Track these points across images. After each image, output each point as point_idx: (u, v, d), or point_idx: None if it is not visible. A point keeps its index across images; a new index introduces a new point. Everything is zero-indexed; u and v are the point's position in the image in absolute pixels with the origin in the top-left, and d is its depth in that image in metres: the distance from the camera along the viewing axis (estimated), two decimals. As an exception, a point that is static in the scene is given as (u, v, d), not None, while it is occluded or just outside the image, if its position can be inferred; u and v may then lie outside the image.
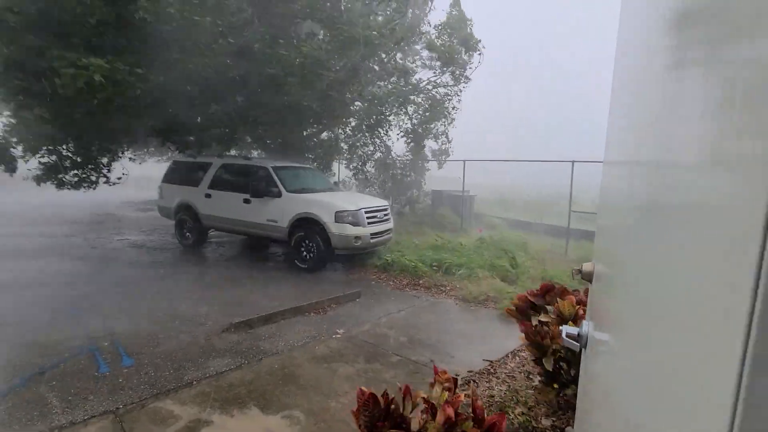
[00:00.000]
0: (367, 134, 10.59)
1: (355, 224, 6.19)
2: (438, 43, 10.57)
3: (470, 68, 11.23)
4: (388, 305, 4.91)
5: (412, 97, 11.11)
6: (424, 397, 1.47)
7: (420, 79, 11.71)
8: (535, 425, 2.51)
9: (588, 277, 1.07)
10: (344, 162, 11.93)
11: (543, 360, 2.42)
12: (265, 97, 7.32)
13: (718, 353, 0.41)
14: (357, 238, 6.16)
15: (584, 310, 2.18)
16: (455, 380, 1.54)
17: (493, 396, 2.89)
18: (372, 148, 11.48)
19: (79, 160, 7.66)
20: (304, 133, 9.42)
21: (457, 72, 11.08)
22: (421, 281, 5.91)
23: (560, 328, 1.11)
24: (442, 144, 12.12)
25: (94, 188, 8.13)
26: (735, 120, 0.43)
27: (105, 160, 8.07)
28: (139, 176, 22.31)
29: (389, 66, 9.60)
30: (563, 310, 2.41)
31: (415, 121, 11.53)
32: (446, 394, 1.46)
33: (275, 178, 6.81)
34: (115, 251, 7.43)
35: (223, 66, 6.52)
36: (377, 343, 3.78)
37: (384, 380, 3.08)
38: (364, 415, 1.40)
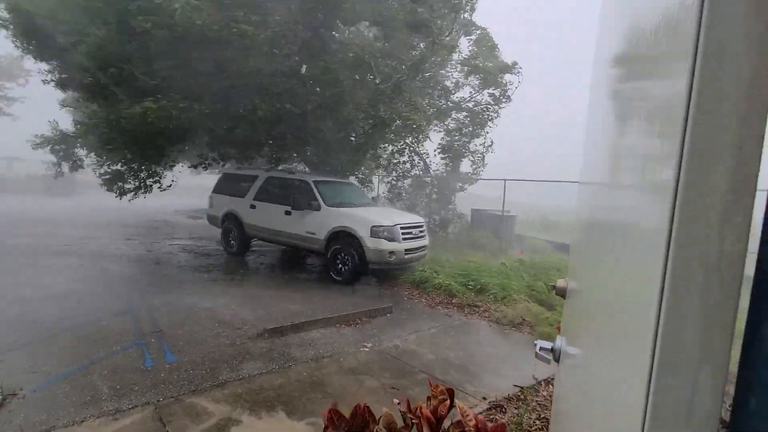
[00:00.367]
0: (406, 150, 10.75)
1: (390, 239, 6.26)
2: (475, 63, 10.64)
3: (510, 88, 11.17)
4: (419, 322, 4.89)
5: (452, 113, 11.19)
6: (402, 411, 1.50)
7: (462, 97, 11.79)
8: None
9: (561, 293, 1.10)
10: (382, 177, 12.13)
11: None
12: (317, 114, 7.63)
13: (634, 358, 0.43)
14: (391, 253, 6.21)
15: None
16: (451, 391, 1.55)
17: (521, 424, 2.78)
18: (409, 166, 11.60)
19: (135, 167, 8.47)
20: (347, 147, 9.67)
21: (497, 92, 11.06)
22: (454, 300, 5.83)
23: (535, 342, 1.11)
24: (476, 164, 11.99)
25: (147, 193, 8.87)
26: (642, 147, 0.46)
27: (158, 170, 8.85)
28: (193, 186, 23.94)
29: (432, 82, 9.75)
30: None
31: (455, 137, 11.56)
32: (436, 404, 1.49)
33: (315, 192, 7.07)
34: (168, 255, 7.99)
35: (277, 86, 6.95)
36: (405, 359, 3.76)
37: (408, 397, 3.06)
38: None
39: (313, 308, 5.06)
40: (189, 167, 11.21)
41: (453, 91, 11.86)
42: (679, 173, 0.37)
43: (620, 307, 0.53)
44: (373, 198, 9.03)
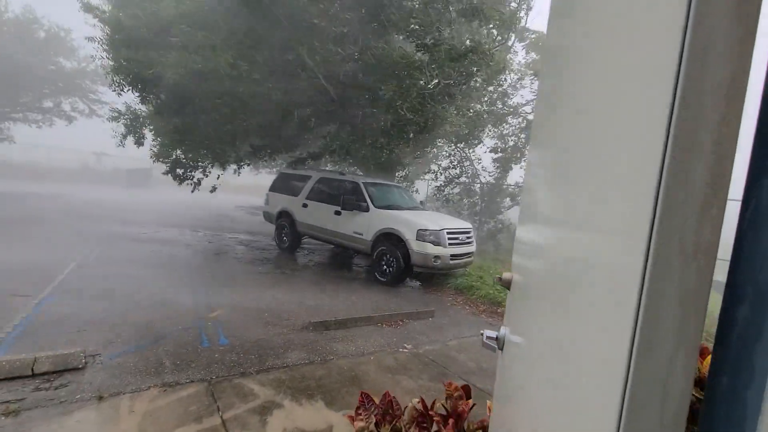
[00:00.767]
0: (456, 154, 10.63)
1: (436, 244, 6.23)
2: (533, 67, 10.29)
3: None
4: (460, 328, 4.82)
5: (508, 119, 10.90)
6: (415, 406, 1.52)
7: (519, 102, 11.45)
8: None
9: (507, 285, 1.17)
10: (430, 181, 12.08)
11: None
12: (372, 117, 7.84)
13: (612, 342, 0.48)
14: (436, 257, 6.19)
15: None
16: (468, 389, 1.57)
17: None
18: (459, 171, 11.45)
19: (191, 163, 9.27)
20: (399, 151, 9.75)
21: None
22: (499, 310, 5.67)
23: (482, 332, 1.19)
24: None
25: (197, 188, 9.66)
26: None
27: (209, 166, 9.63)
28: (252, 184, 25.44)
29: (486, 85, 9.57)
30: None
31: (509, 143, 11.24)
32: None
33: (365, 193, 7.23)
34: (226, 247, 8.59)
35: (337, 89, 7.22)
36: (443, 364, 3.74)
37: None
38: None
39: (356, 306, 5.18)
40: (248, 165, 11.96)
41: (511, 95, 11.56)
42: (662, 169, 0.38)
43: (597, 296, 0.54)
44: (421, 202, 9.04)
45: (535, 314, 0.86)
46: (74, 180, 24.27)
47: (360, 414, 1.56)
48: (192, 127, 7.85)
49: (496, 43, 8.28)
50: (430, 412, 1.48)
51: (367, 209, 7.05)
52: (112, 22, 8.13)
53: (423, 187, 13.62)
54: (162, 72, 7.09)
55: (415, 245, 6.22)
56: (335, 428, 2.55)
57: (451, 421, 1.42)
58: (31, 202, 12.96)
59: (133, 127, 9.13)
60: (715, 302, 0.47)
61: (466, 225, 7.23)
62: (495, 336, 1.16)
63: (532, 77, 10.71)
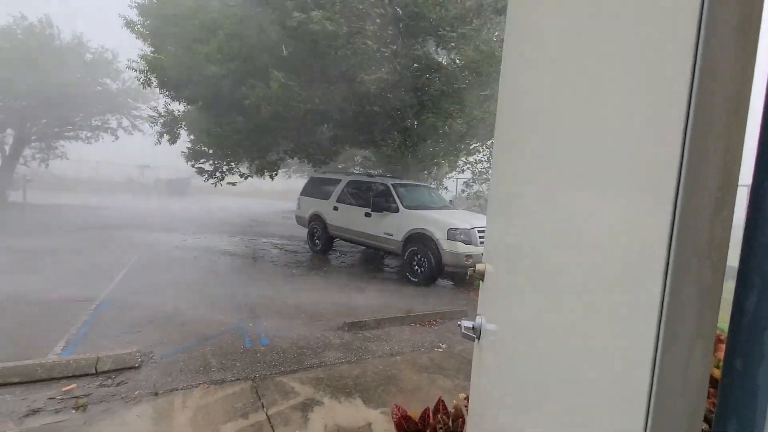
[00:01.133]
0: (486, 151, 10.49)
1: (467, 243, 6.19)
2: None
3: None
4: (495, 328, 4.78)
5: None
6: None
7: None
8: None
9: (480, 276, 1.21)
10: (458, 179, 11.98)
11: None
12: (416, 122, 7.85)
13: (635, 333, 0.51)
14: (468, 256, 6.14)
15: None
16: None
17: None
18: (489, 165, 11.30)
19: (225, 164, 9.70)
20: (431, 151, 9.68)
21: None
22: (534, 308, 5.56)
23: (459, 323, 1.23)
24: None
25: (219, 184, 10.07)
26: None
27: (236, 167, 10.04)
28: (284, 190, 26.12)
29: None
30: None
31: None
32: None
33: (394, 194, 7.30)
34: (262, 251, 8.90)
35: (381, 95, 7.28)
36: (479, 364, 3.73)
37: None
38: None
39: (389, 306, 5.25)
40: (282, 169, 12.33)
41: None
42: (680, 173, 0.41)
43: (616, 290, 0.57)
44: (450, 201, 9.00)
45: (538, 306, 0.89)
46: (120, 192, 25.91)
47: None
48: (230, 130, 8.21)
49: None
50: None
51: (396, 210, 7.10)
52: (151, 39, 8.68)
53: (452, 186, 13.53)
54: (201, 80, 7.48)
55: (445, 245, 6.21)
56: (374, 425, 2.62)
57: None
58: (83, 214, 13.96)
59: (170, 126, 9.67)
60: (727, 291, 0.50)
61: (497, 223, 7.14)
62: (472, 326, 1.20)
63: None
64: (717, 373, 0.60)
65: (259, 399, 2.82)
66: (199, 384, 2.96)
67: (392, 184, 7.51)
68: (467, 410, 1.51)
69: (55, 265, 6.40)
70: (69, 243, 8.45)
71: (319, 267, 7.68)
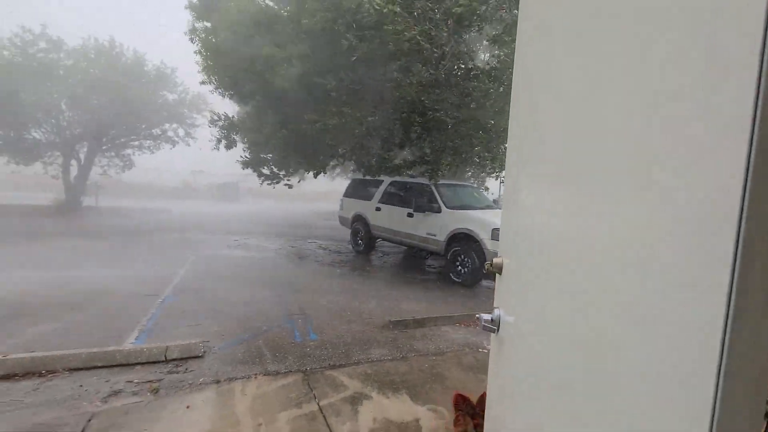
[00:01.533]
0: None
1: (513, 243, 6.06)
2: None
3: None
4: (543, 330, 4.64)
5: None
6: None
7: None
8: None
9: (498, 269, 1.22)
10: (501, 177, 11.67)
11: None
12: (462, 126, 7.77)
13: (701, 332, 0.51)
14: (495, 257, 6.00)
15: None
16: None
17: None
18: None
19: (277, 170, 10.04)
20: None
21: None
22: (586, 311, 5.33)
23: (478, 316, 1.24)
24: None
25: (275, 185, 10.39)
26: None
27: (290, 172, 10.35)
28: (326, 191, 26.80)
29: None
30: None
31: None
32: None
33: (436, 194, 7.29)
34: (307, 251, 9.22)
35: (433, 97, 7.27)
36: (528, 365, 3.65)
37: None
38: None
39: (432, 306, 5.26)
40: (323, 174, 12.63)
41: None
42: (747, 173, 0.42)
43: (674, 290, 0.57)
44: (494, 200, 8.81)
45: (566, 298, 0.89)
46: (177, 196, 27.85)
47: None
48: (288, 135, 8.57)
49: None
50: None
51: (439, 210, 7.09)
52: (211, 46, 9.21)
53: (494, 185, 13.20)
54: (260, 85, 7.87)
55: (489, 244, 6.11)
56: (422, 421, 2.66)
57: None
58: (147, 217, 15.18)
59: (227, 131, 10.11)
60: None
61: (544, 222, 6.91)
62: (491, 318, 1.21)
63: None
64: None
65: (311, 390, 2.95)
66: (256, 374, 3.15)
67: (435, 185, 7.51)
68: None
69: (125, 263, 7.03)
70: (136, 243, 9.24)
71: (362, 266, 7.82)
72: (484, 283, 6.76)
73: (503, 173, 11.24)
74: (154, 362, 3.25)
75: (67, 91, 14.56)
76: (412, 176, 8.60)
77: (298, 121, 8.06)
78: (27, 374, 2.94)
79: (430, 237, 7.18)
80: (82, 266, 6.65)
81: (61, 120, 15.58)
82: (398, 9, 6.04)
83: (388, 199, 8.44)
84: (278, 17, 7.93)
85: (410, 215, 7.60)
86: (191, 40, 9.97)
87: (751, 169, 0.43)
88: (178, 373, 3.11)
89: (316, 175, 9.78)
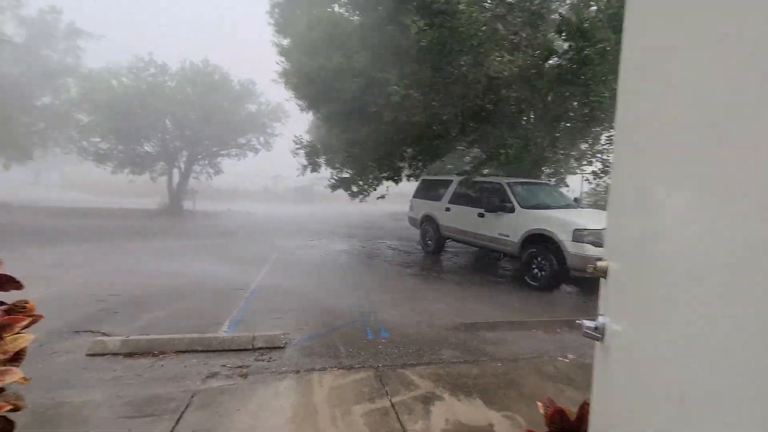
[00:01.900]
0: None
1: (598, 245, 5.57)
2: None
3: None
4: (634, 341, 4.20)
5: None
6: None
7: None
8: None
9: (603, 274, 1.14)
10: (584, 172, 10.78)
11: None
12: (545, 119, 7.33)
13: None
14: (599, 259, 5.51)
15: None
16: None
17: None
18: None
19: (357, 176, 10.25)
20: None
21: None
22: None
23: (579, 322, 1.17)
24: None
25: (364, 198, 10.52)
26: None
27: (373, 178, 10.43)
28: (397, 192, 27.16)
29: None
30: None
31: None
32: None
33: (509, 193, 6.99)
34: (377, 251, 9.43)
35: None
36: (616, 379, 3.33)
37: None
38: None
39: (506, 309, 5.05)
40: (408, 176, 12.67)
41: None
42: None
43: None
44: (575, 199, 8.20)
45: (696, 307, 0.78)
46: (258, 199, 30.30)
47: None
48: (363, 143, 8.84)
49: None
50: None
51: (512, 210, 6.79)
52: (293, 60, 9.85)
53: (575, 183, 12.28)
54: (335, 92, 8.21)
55: (571, 247, 5.69)
56: (496, 428, 2.57)
57: None
58: (234, 218, 16.74)
59: (311, 157, 10.59)
60: None
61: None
62: (594, 326, 1.14)
63: None
64: None
65: (383, 387, 3.01)
66: (332, 367, 3.31)
67: (507, 183, 7.21)
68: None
69: (217, 260, 7.83)
70: (226, 242, 10.24)
71: (431, 267, 7.79)
72: (565, 288, 6.32)
73: (588, 169, 10.39)
74: (242, 350, 3.58)
75: (171, 109, 16.70)
76: (483, 175, 8.35)
77: (369, 125, 8.23)
78: (144, 353, 3.43)
79: (502, 238, 6.90)
80: (182, 262, 7.55)
81: (166, 134, 17.90)
82: None
83: (458, 199, 8.29)
84: (349, 23, 8.17)
85: (481, 215, 7.38)
86: (279, 54, 10.77)
87: None
88: (263, 361, 3.39)
89: (397, 182, 9.79)
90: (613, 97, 6.84)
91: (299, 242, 10.49)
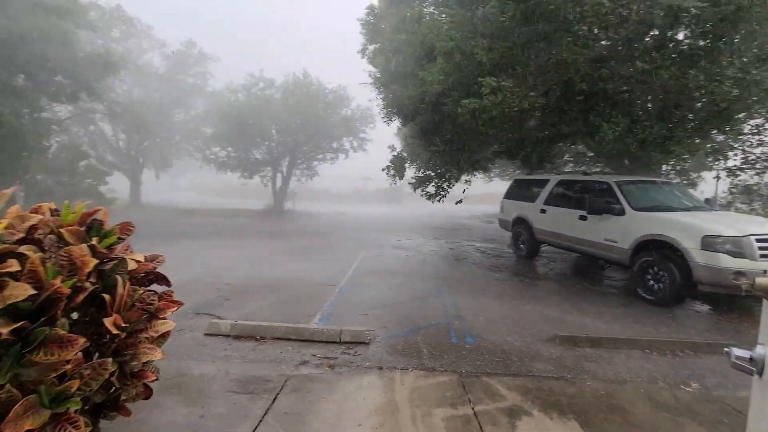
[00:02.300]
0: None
1: (738, 255, 4.62)
2: None
3: None
4: (789, 377, 3.36)
5: None
6: None
7: None
8: None
9: (765, 293, 0.97)
10: (718, 170, 9.03)
11: None
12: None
13: None
14: (739, 273, 4.56)
15: None
16: None
17: None
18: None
19: (436, 176, 10.11)
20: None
21: None
22: None
23: (727, 349, 1.06)
24: None
25: (442, 199, 10.32)
26: None
27: (451, 178, 10.20)
28: (484, 194, 26.17)
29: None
30: None
31: None
32: None
33: (618, 193, 6.19)
34: (465, 253, 9.16)
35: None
36: (760, 420, 2.70)
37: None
38: None
39: (612, 324, 4.48)
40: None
41: None
42: None
43: None
44: (706, 200, 6.92)
45: None
46: (350, 200, 31.86)
47: None
48: (445, 147, 8.80)
49: None
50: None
51: (621, 212, 5.99)
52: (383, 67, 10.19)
53: (708, 181, 10.42)
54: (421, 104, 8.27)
55: (699, 256, 4.81)
56: (595, 456, 2.28)
57: None
58: (328, 218, 17.85)
59: (398, 165, 10.85)
60: None
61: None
62: (749, 356, 0.98)
63: None
64: None
65: (466, 393, 2.90)
66: (413, 368, 3.29)
67: (615, 182, 6.40)
68: None
69: (312, 257, 8.42)
70: (321, 240, 10.96)
71: (523, 273, 7.29)
72: (690, 304, 5.38)
73: (725, 166, 8.69)
74: (331, 342, 3.77)
75: (276, 119, 18.56)
76: (585, 173, 7.55)
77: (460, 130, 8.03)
78: (248, 337, 3.84)
79: (608, 243, 6.14)
80: (281, 257, 8.29)
81: (272, 142, 19.94)
82: None
83: (555, 200, 7.62)
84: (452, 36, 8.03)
85: (583, 218, 6.67)
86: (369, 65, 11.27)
87: None
88: (349, 354, 3.53)
89: (471, 174, 9.57)
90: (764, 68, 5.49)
91: (387, 241, 10.73)
